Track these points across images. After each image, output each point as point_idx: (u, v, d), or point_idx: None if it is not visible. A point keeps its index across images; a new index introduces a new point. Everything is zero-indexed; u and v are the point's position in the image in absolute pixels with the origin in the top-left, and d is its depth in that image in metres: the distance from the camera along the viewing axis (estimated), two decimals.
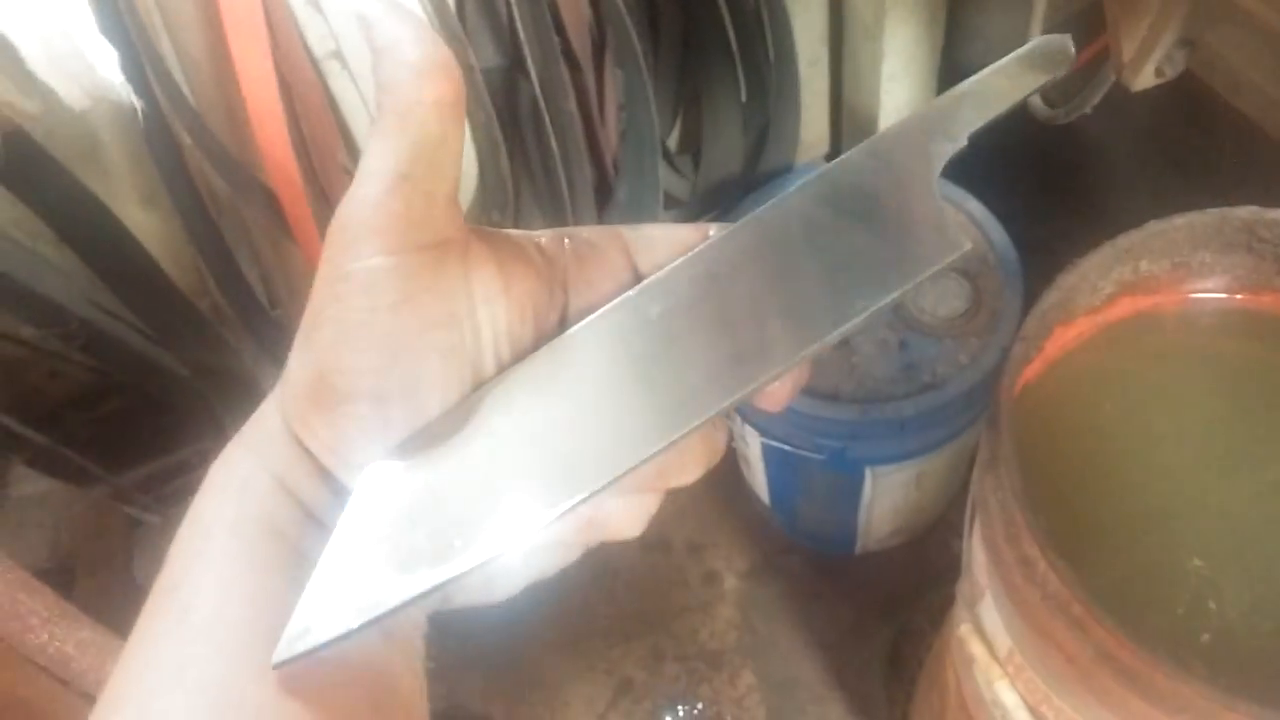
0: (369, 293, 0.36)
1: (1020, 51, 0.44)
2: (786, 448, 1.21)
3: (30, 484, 1.21)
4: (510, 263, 0.40)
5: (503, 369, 0.40)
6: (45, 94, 0.83)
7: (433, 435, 0.38)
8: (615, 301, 0.41)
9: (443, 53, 0.37)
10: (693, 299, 0.41)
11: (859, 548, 1.43)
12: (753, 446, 1.30)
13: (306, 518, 0.38)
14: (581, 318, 0.41)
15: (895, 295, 0.41)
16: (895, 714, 1.34)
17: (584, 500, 0.38)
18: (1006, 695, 0.80)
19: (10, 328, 1.20)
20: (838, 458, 1.19)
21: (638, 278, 0.42)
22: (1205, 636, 0.68)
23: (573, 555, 0.44)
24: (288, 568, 0.37)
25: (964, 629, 0.85)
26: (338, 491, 0.38)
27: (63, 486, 1.19)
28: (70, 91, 0.83)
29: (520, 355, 0.40)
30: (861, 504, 1.29)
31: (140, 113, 0.88)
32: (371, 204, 0.37)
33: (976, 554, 0.80)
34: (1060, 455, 0.78)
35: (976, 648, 0.83)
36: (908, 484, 1.27)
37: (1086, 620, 0.63)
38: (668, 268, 0.42)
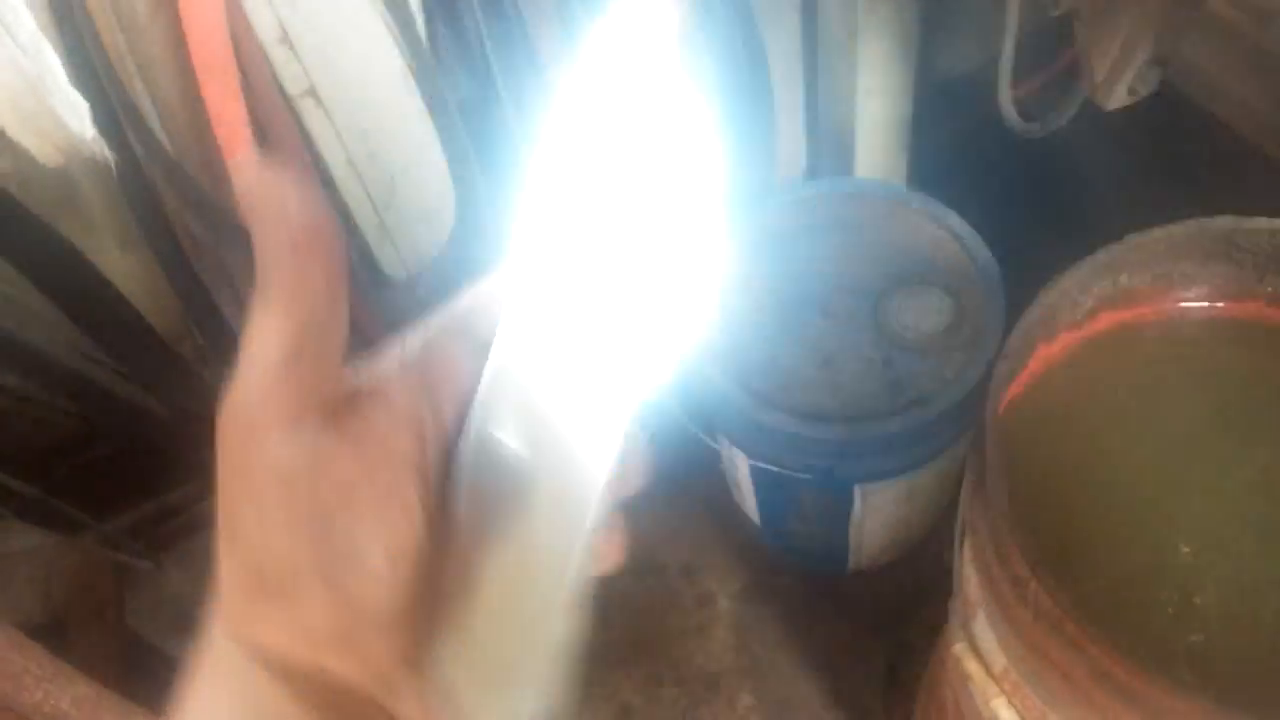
0: (282, 481, 0.35)
1: None
2: (774, 469, 1.21)
3: (20, 538, 1.20)
4: (397, 390, 0.38)
5: (430, 486, 0.38)
6: (16, 151, 0.83)
7: None
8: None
9: (324, 216, 0.35)
10: None
11: (852, 565, 1.43)
12: (741, 468, 1.30)
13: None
14: (463, 410, 0.40)
15: None
16: None
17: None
18: (1004, 713, 0.80)
19: (1, 380, 1.20)
20: (826, 477, 1.18)
21: (485, 349, 0.40)
22: (1195, 636, 0.68)
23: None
24: None
25: (958, 647, 0.85)
26: (299, 686, 0.37)
27: (53, 540, 1.19)
28: (42, 149, 0.83)
29: (442, 468, 0.39)
30: (852, 521, 1.29)
31: (114, 164, 0.88)
32: (265, 390, 0.35)
33: (968, 573, 0.80)
34: (1048, 466, 0.78)
35: (972, 666, 0.83)
36: (898, 500, 1.27)
37: (1080, 639, 0.63)
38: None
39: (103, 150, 0.86)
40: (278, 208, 0.34)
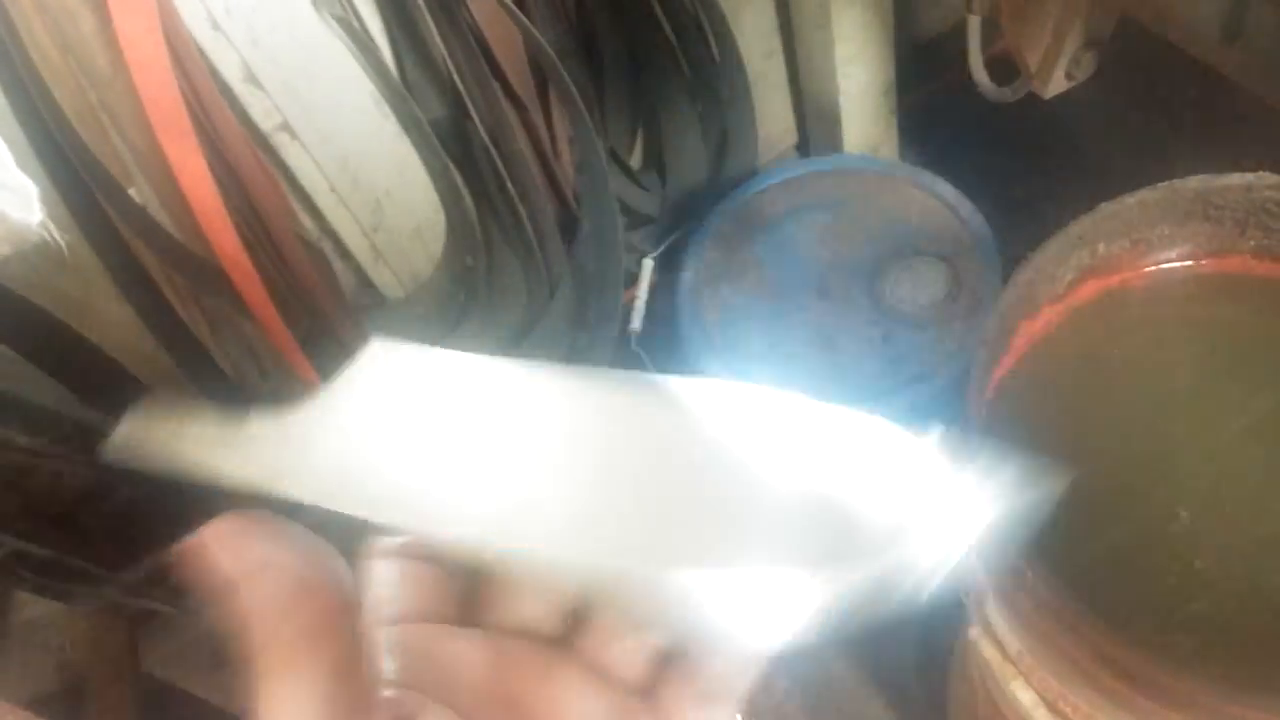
0: None
1: None
2: None
3: (33, 607, 1.21)
4: None
5: None
6: None
7: None
8: None
9: (319, 564, 0.27)
10: None
11: None
12: None
13: None
14: None
15: None
16: (932, 705, 1.33)
17: None
18: (1023, 694, 0.79)
19: (8, 438, 1.20)
20: None
21: None
22: (1196, 603, 0.68)
23: None
24: None
25: (974, 631, 0.84)
26: None
27: (65, 608, 1.19)
28: None
29: None
30: None
31: (66, 247, 0.87)
32: None
33: (973, 560, 0.79)
34: (1041, 442, 0.77)
35: (989, 650, 0.82)
36: None
37: (1080, 625, 0.63)
38: None
39: (54, 237, 0.86)
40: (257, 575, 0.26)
